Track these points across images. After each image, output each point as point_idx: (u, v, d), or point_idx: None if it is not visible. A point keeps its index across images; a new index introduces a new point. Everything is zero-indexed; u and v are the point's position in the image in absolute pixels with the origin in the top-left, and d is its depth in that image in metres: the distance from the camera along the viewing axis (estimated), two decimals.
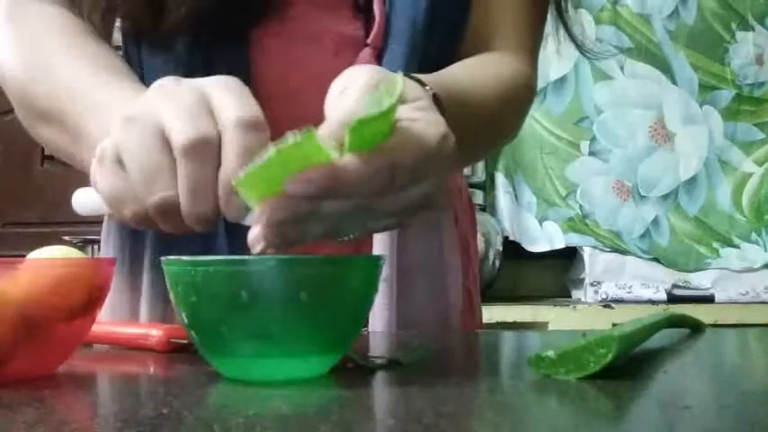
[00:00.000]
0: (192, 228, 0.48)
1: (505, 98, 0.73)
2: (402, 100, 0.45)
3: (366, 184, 0.43)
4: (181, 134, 0.45)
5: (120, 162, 0.48)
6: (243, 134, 0.45)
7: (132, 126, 0.47)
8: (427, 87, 0.56)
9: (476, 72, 0.73)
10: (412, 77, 0.55)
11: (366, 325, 0.73)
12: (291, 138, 0.40)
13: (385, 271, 0.73)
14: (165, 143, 0.46)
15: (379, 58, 0.73)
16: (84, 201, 0.53)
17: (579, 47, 0.83)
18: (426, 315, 0.77)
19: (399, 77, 0.43)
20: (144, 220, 0.49)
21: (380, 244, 0.73)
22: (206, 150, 0.45)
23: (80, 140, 0.59)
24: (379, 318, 0.73)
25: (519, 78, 0.77)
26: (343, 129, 0.43)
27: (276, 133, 0.70)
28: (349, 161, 0.42)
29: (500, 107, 0.73)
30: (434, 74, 0.64)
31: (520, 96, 0.78)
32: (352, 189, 0.43)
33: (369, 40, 0.73)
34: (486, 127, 0.72)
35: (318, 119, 0.47)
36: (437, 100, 0.56)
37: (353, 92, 0.47)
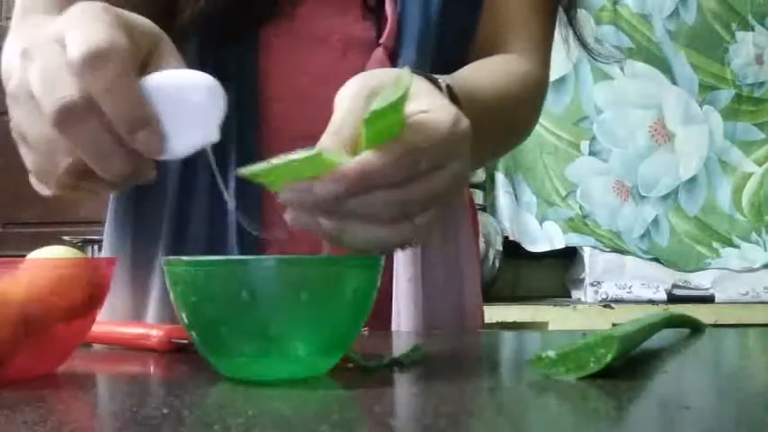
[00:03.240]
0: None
1: (518, 96, 0.74)
2: (409, 96, 0.45)
3: (390, 173, 0.44)
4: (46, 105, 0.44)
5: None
6: (86, 75, 0.43)
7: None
8: (440, 81, 0.57)
9: (487, 72, 0.73)
10: (420, 73, 0.56)
11: (389, 326, 0.73)
12: (300, 153, 0.42)
13: (410, 270, 0.73)
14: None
15: (391, 59, 0.73)
16: None
17: (589, 51, 0.84)
18: (445, 316, 0.77)
19: (405, 71, 0.45)
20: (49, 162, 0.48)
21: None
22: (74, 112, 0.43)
23: None
24: (405, 318, 0.73)
25: (530, 77, 0.77)
26: (347, 129, 0.44)
27: (285, 132, 0.70)
28: (370, 154, 0.44)
29: (513, 105, 0.74)
30: (447, 75, 0.64)
31: (532, 95, 0.78)
32: (379, 181, 0.44)
33: (381, 41, 0.73)
34: (500, 124, 0.73)
35: (326, 118, 0.48)
36: (451, 92, 0.57)
37: (342, 105, 0.48)
